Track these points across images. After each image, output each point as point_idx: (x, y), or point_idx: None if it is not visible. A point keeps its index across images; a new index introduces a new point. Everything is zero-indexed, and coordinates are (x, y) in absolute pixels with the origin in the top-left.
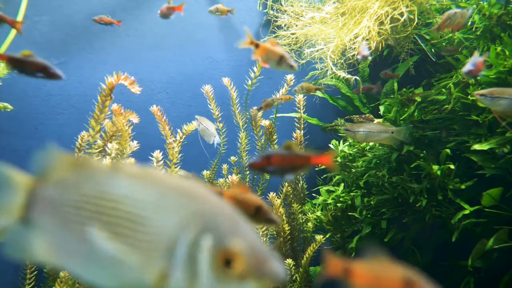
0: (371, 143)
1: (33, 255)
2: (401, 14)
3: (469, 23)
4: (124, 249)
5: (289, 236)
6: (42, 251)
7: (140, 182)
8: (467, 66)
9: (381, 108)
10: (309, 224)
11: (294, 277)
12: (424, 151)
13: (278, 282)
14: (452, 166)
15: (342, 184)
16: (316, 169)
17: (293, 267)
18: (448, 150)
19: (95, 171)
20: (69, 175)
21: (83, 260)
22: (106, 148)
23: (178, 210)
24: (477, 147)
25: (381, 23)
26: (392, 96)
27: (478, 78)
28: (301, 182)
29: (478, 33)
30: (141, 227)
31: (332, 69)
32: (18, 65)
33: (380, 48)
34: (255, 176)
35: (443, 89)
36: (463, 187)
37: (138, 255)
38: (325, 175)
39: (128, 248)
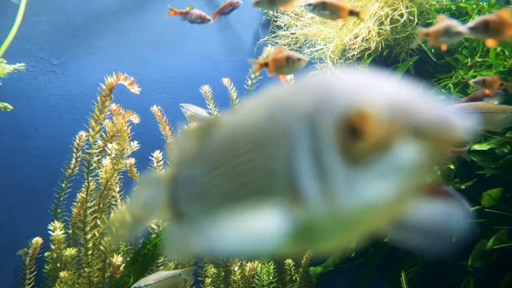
0: None
1: (190, 248)
2: (401, 15)
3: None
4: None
5: None
6: (196, 241)
7: (243, 117)
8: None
9: None
10: None
11: (294, 277)
12: None
13: (453, 132)
14: (452, 166)
15: None
16: None
17: (293, 267)
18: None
19: (207, 137)
20: (193, 153)
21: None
22: (106, 149)
23: (285, 113)
24: (477, 147)
25: (381, 23)
26: None
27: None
28: None
29: None
30: (260, 160)
31: (331, 69)
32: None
33: (380, 48)
34: None
35: (442, 90)
36: (463, 187)
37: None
38: None
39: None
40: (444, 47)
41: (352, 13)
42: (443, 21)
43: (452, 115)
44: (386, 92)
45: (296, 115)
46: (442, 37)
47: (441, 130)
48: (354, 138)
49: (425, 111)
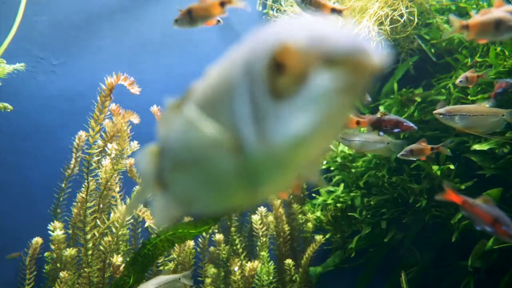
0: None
1: (173, 214)
2: (401, 15)
3: None
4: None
5: (289, 237)
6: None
7: (206, 82)
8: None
9: (381, 108)
10: (309, 224)
11: (294, 277)
12: None
13: (363, 56)
14: (452, 166)
15: (342, 184)
16: None
17: (293, 267)
18: (448, 150)
19: (183, 107)
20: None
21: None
22: (106, 149)
23: (231, 68)
24: (477, 147)
25: (381, 23)
26: (392, 96)
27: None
28: None
29: None
30: (217, 116)
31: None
32: (377, 124)
33: (379, 48)
34: None
35: (442, 90)
36: (463, 187)
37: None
38: (325, 175)
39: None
40: (483, 41)
41: (334, 11)
42: (487, 12)
43: (363, 42)
44: (304, 27)
45: (238, 66)
46: (488, 32)
47: (352, 55)
48: (279, 73)
49: (337, 39)
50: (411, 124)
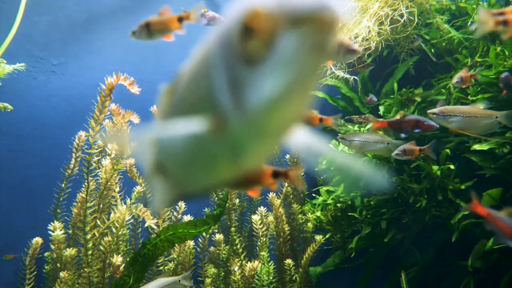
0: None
1: (171, 198)
2: (401, 15)
3: (469, 23)
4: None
5: (289, 237)
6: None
7: (192, 63)
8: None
9: (381, 109)
10: (309, 224)
11: (294, 277)
12: None
13: (326, 12)
14: (452, 166)
15: (342, 185)
16: (316, 169)
17: (293, 267)
18: (448, 150)
19: (175, 91)
20: (167, 109)
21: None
22: (106, 149)
23: (211, 44)
24: (477, 147)
25: (381, 23)
26: (392, 96)
27: (479, 78)
28: None
29: None
30: (199, 92)
31: (331, 68)
32: (396, 126)
33: (380, 48)
34: None
35: (442, 90)
36: (463, 187)
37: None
38: (324, 175)
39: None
40: None
41: None
42: None
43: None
44: None
45: (215, 38)
46: None
47: (315, 12)
48: (250, 38)
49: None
50: (432, 123)
